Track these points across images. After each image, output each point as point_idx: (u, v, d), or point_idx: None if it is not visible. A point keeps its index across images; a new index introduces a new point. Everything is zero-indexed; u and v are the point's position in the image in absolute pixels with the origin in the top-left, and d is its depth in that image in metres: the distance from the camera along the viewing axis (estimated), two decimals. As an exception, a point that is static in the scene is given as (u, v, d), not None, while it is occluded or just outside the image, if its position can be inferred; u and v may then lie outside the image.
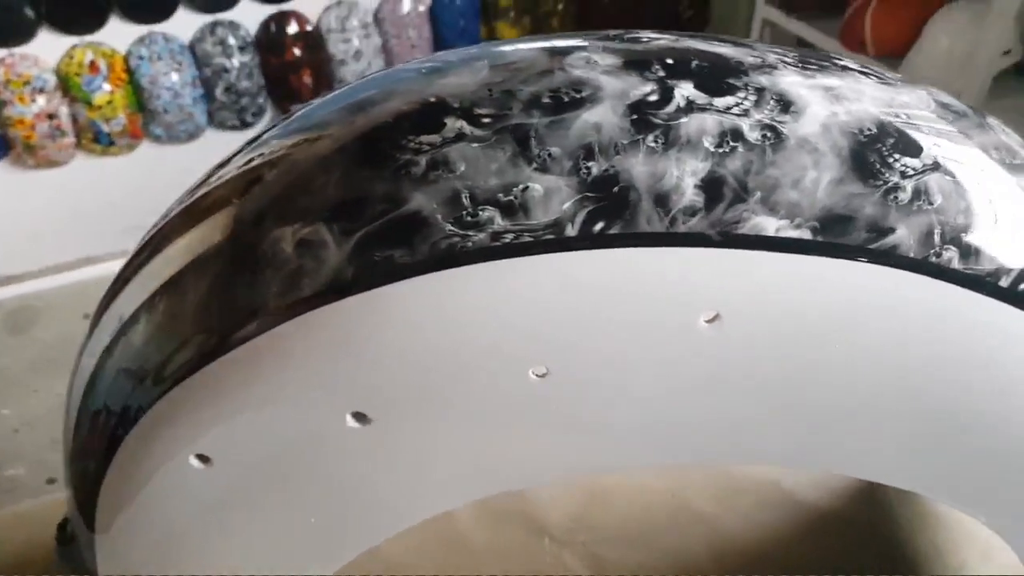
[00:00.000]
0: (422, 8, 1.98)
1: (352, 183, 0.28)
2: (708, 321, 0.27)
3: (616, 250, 0.26)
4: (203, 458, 0.31)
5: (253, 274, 0.29)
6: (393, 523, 0.33)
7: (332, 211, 0.28)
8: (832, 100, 0.28)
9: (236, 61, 1.82)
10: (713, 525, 0.56)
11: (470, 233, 0.27)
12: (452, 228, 0.27)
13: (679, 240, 0.26)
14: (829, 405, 0.29)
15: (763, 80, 0.28)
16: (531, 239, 0.26)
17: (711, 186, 0.26)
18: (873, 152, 0.27)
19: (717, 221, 0.26)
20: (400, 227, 0.27)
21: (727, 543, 0.56)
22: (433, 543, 0.56)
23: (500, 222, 0.27)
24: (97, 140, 1.77)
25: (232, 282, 0.29)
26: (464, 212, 0.27)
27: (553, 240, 0.26)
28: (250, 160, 0.32)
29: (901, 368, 0.29)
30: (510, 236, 0.27)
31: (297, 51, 1.88)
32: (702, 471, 0.60)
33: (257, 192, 0.30)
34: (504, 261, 0.27)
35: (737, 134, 0.27)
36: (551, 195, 0.26)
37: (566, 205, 0.26)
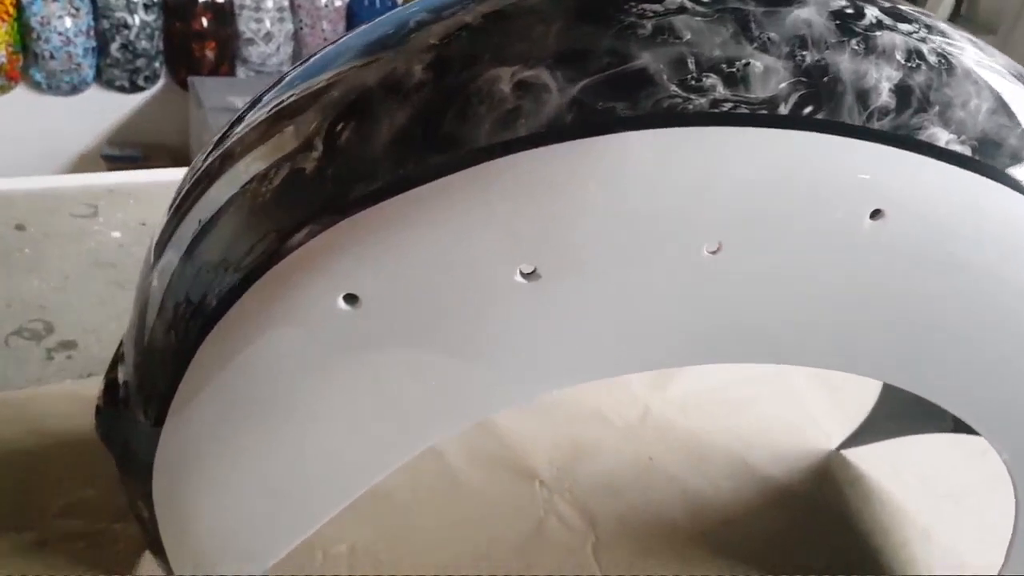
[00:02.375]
0: (339, 3, 1.97)
1: (576, 36, 0.29)
2: (872, 218, 0.30)
3: (818, 134, 0.29)
4: (351, 299, 0.30)
5: (463, 109, 0.29)
6: (533, 386, 0.33)
7: (555, 58, 0.29)
8: (975, 45, 0.33)
9: (138, 19, 1.72)
10: (684, 487, 0.59)
11: (692, 97, 0.28)
12: (676, 89, 0.28)
13: (871, 135, 0.29)
14: (949, 326, 0.33)
15: (925, 19, 0.32)
16: (747, 111, 0.29)
17: (902, 93, 0.30)
18: (1017, 92, 0.32)
19: (903, 124, 0.30)
20: (625, 81, 0.28)
21: (698, 505, 0.58)
22: (427, 482, 0.55)
23: (721, 91, 0.28)
24: (-34, 73, 1.61)
25: (438, 115, 0.29)
26: (689, 76, 0.28)
27: (766, 115, 0.29)
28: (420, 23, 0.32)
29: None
30: (728, 105, 0.28)
31: (205, 21, 1.80)
32: (670, 437, 0.63)
33: (466, 38, 0.30)
34: (720, 128, 0.29)
35: (920, 54, 0.30)
36: (770, 74, 0.29)
37: (782, 85, 0.29)
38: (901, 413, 0.61)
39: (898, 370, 0.36)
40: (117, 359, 0.39)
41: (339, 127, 0.30)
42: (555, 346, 0.33)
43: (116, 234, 0.76)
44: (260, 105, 0.35)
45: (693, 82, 0.28)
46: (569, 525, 0.54)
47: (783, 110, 0.29)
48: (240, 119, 0.36)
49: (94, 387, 0.55)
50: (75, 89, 1.76)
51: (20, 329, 0.63)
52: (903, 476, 0.63)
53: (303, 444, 0.34)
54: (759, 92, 0.29)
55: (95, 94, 1.83)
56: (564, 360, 0.33)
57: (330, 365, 0.32)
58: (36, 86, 1.72)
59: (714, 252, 0.31)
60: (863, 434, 0.64)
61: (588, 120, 0.28)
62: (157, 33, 1.80)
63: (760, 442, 0.65)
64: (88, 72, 1.77)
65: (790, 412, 0.68)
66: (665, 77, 0.28)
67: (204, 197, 0.35)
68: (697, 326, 0.33)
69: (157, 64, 1.84)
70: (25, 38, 1.64)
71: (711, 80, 0.28)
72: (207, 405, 0.34)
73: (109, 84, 1.80)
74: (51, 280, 0.69)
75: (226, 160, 0.34)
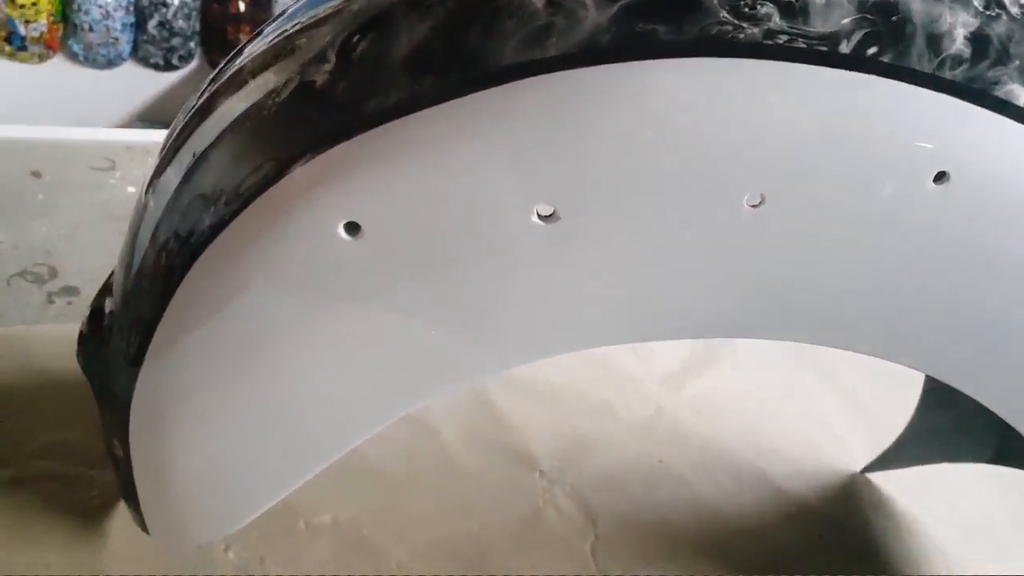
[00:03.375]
0: None
1: (620, -50, 0.27)
2: (936, 181, 0.27)
3: (883, 79, 0.26)
4: (353, 228, 0.28)
5: (490, 23, 0.26)
6: (537, 347, 0.31)
7: (594, -27, 0.26)
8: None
9: (177, -1, 1.72)
10: (694, 492, 0.56)
11: (744, 25, 0.26)
12: (727, 16, 0.26)
13: (941, 85, 0.26)
14: (1004, 301, 0.30)
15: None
16: (804, 46, 0.26)
17: (979, 42, 0.27)
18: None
19: (978, 77, 0.27)
20: (671, 2, 0.26)
21: (707, 512, 0.55)
22: (421, 461, 0.52)
23: (777, 21, 0.26)
24: (9, 40, 1.61)
25: (462, 29, 0.26)
26: (742, 1, 0.26)
27: (825, 53, 0.26)
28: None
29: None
30: (784, 38, 0.26)
31: (243, 5, 1.80)
32: (682, 439, 0.60)
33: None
34: (773, 63, 0.26)
35: (1000, 3, 0.28)
36: (832, 7, 0.26)
37: (845, 20, 0.26)
38: (936, 439, 0.58)
39: (949, 364, 0.32)
40: (106, 287, 0.37)
41: (355, 39, 0.27)
42: (568, 302, 0.30)
43: (131, 189, 0.74)
44: (262, 36, 0.33)
45: (747, 9, 0.26)
46: (568, 519, 0.51)
47: (844, 48, 0.26)
48: (239, 52, 0.34)
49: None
50: (111, 63, 1.77)
51: (23, 271, 0.62)
52: (929, 504, 0.59)
53: (291, 386, 0.32)
54: (819, 26, 0.26)
55: (130, 70, 1.83)
56: (576, 318, 0.30)
57: (325, 300, 0.30)
58: (73, 57, 1.72)
59: (755, 206, 0.28)
60: (892, 458, 0.60)
61: (626, 43, 0.26)
62: (195, 13, 1.80)
63: (779, 454, 0.61)
64: (125, 47, 1.77)
65: (813, 427, 0.64)
66: (716, 1, 0.26)
67: (199, 130, 0.32)
68: (728, 291, 0.30)
69: (192, 44, 1.84)
70: (66, 8, 1.64)
71: (766, 8, 0.26)
72: (191, 339, 0.31)
73: (144, 61, 1.81)
74: (61, 227, 0.67)
75: (223, 92, 0.32)
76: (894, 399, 0.66)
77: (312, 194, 0.28)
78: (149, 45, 1.76)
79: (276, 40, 0.31)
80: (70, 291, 0.61)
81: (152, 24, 1.74)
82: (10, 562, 0.40)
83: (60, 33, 1.65)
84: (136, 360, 0.33)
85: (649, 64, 0.26)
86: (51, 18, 1.62)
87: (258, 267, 0.29)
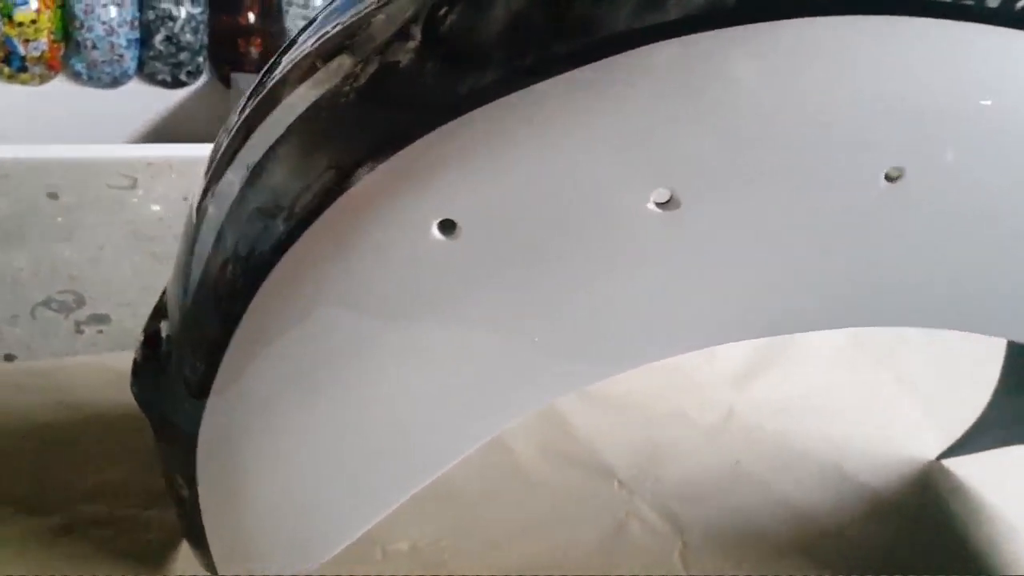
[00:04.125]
0: (385, 4, 1.93)
1: None
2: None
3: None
4: (448, 227, 0.25)
5: (598, -14, 0.23)
6: (652, 347, 0.27)
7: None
8: None
9: (184, 11, 1.69)
10: (775, 493, 0.53)
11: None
12: (869, -35, 0.22)
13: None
14: None
15: None
16: (970, 2, 0.23)
17: None
18: None
19: None
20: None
21: (790, 513, 0.52)
22: (496, 478, 0.49)
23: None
24: (7, 61, 1.58)
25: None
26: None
27: (992, 10, 0.23)
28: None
29: None
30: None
31: (252, 16, 1.77)
32: (757, 441, 0.57)
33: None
34: (928, 20, 0.23)
35: None
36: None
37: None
38: (1013, 421, 0.55)
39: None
40: (159, 310, 0.34)
41: (443, 11, 0.24)
42: (683, 298, 0.27)
43: (156, 207, 0.71)
44: (297, 45, 0.30)
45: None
46: (653, 529, 0.48)
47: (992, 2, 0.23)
48: (276, 63, 0.31)
49: (127, 361, 0.50)
50: (116, 81, 1.73)
51: (48, 300, 0.59)
52: (1008, 487, 0.56)
53: (377, 408, 0.29)
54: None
55: (136, 87, 1.80)
56: (690, 317, 0.27)
57: (415, 310, 0.27)
58: (76, 76, 1.69)
59: (893, 180, 0.25)
60: (968, 443, 0.57)
61: (756, 1, 0.23)
62: (202, 27, 1.77)
63: (853, 449, 0.58)
64: (130, 64, 1.74)
65: (882, 420, 0.61)
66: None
67: (258, 132, 0.29)
68: (857, 275, 0.27)
69: (200, 59, 1.81)
70: (68, 26, 1.61)
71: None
72: (265, 362, 0.28)
73: (151, 78, 1.77)
74: (84, 250, 0.64)
75: (283, 87, 0.29)
76: (958, 385, 0.64)
77: (401, 192, 0.25)
78: (156, 61, 1.73)
79: (334, 32, 0.28)
80: (100, 319, 0.58)
81: (158, 39, 1.71)
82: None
83: (62, 52, 1.63)
84: (202, 388, 0.30)
85: (781, 24, 0.23)
86: (52, 36, 1.59)
87: (340, 278, 0.26)
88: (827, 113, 0.23)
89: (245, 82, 1.84)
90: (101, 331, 0.56)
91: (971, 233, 0.26)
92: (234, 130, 0.30)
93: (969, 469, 0.57)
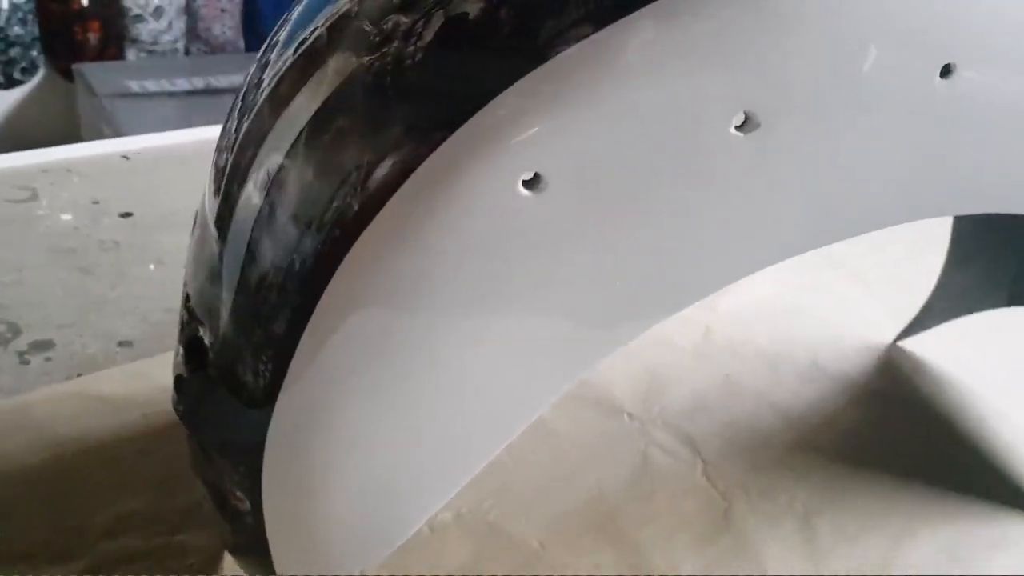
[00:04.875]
0: (233, -32, 1.82)
1: None
2: None
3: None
4: (533, 182, 0.24)
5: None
6: (742, 264, 0.28)
7: None
8: None
9: (6, 1, 1.53)
10: (768, 398, 0.55)
11: None
12: None
13: None
14: None
15: None
16: None
17: None
18: None
19: None
20: None
21: (786, 413, 0.55)
22: (519, 441, 0.48)
23: None
24: None
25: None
26: None
27: None
28: None
29: None
30: None
31: (85, 0, 1.63)
32: (739, 352, 0.59)
33: None
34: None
35: None
36: None
37: None
38: (960, 294, 0.59)
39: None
40: (189, 313, 0.31)
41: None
42: (765, 215, 0.27)
43: (67, 217, 0.65)
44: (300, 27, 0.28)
45: None
46: (673, 453, 0.49)
47: None
48: (265, 65, 0.29)
49: (102, 383, 0.47)
50: (-58, 89, 1.57)
51: (-21, 335, 0.53)
52: (961, 357, 0.61)
53: (458, 375, 0.28)
54: None
55: (-35, 93, 1.63)
56: (772, 232, 0.27)
57: (505, 272, 0.26)
58: None
59: (945, 77, 0.26)
60: (921, 322, 0.62)
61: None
62: (31, 17, 1.61)
63: (823, 344, 0.61)
64: (-46, 68, 1.57)
65: (838, 314, 0.65)
66: None
67: (287, 117, 0.27)
68: (921, 172, 0.28)
69: (35, 53, 1.66)
70: None
71: None
72: (345, 350, 0.27)
73: (-20, 80, 1.61)
74: (3, 275, 0.58)
75: (307, 69, 0.27)
76: (901, 275, 0.69)
77: (484, 152, 0.24)
78: (-19, 62, 1.57)
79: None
80: (43, 346, 0.53)
81: (-19, 38, 1.55)
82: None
83: None
84: (269, 390, 0.28)
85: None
86: None
87: (424, 251, 0.25)
88: (893, 18, 0.24)
89: (91, 72, 1.69)
90: (49, 358, 0.52)
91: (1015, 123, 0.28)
92: (258, 108, 0.28)
93: (925, 346, 0.61)
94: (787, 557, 0.44)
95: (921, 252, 0.71)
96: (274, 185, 0.26)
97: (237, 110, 0.31)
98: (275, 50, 0.30)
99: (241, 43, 1.89)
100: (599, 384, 0.53)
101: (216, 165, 0.32)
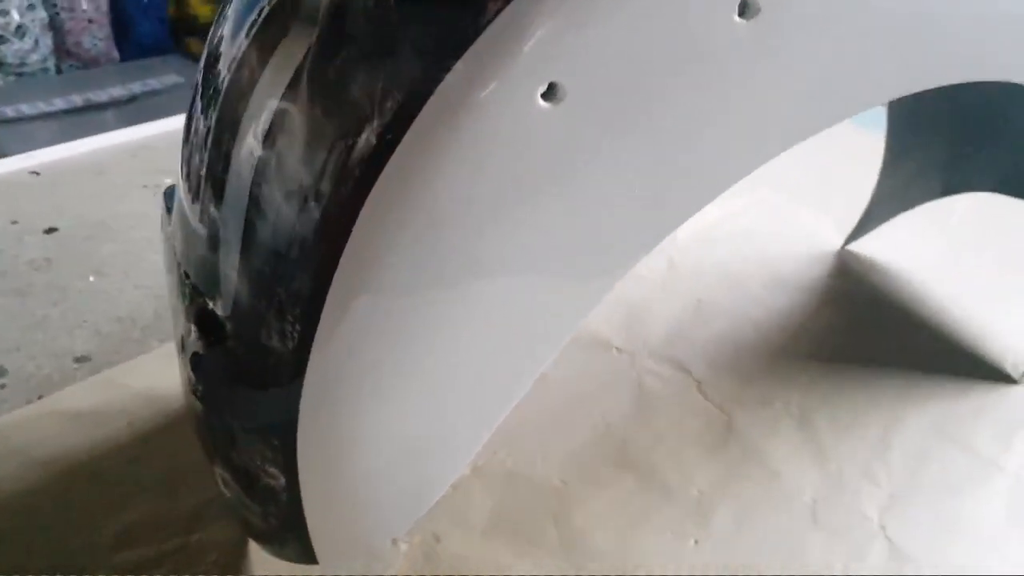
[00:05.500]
0: (97, -21, 1.72)
1: None
2: None
3: None
4: (550, 92, 0.23)
5: None
6: (756, 154, 0.28)
7: None
8: None
9: None
10: (743, 314, 0.57)
11: None
12: None
13: None
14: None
15: None
16: None
17: None
18: None
19: None
20: None
21: (764, 325, 0.56)
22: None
23: None
24: None
25: None
26: None
27: None
28: None
29: None
30: None
31: None
32: (705, 276, 0.60)
33: None
34: None
35: None
36: None
37: None
38: (899, 191, 0.62)
39: None
40: (194, 289, 0.29)
41: None
42: (774, 100, 0.27)
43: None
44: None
45: None
46: (666, 378, 0.50)
47: None
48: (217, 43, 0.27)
49: (72, 399, 0.44)
50: None
51: (-82, 375, 0.49)
52: (907, 252, 0.64)
53: (490, 300, 0.27)
54: None
55: None
56: (782, 116, 0.28)
57: (530, 186, 0.25)
58: None
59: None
60: (865, 224, 0.64)
61: None
62: None
63: (780, 259, 0.63)
64: None
65: (787, 228, 0.67)
66: None
67: (275, 63, 0.26)
68: (913, 45, 0.29)
69: None
70: None
71: None
72: (377, 295, 0.26)
73: None
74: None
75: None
76: (827, 183, 0.72)
77: (501, 67, 0.23)
78: None
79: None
80: (-6, 372, 0.49)
81: None
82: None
83: None
84: (300, 352, 0.26)
85: None
86: None
87: (447, 177, 0.24)
88: None
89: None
90: (3, 385, 0.48)
91: None
92: (238, 65, 0.26)
93: (872, 247, 0.64)
94: (793, 455, 0.46)
95: (845, 164, 0.74)
96: (276, 132, 0.25)
97: (200, 94, 0.29)
98: (226, 26, 0.28)
99: (115, 53, 1.79)
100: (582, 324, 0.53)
101: (191, 136, 0.30)
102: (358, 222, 0.24)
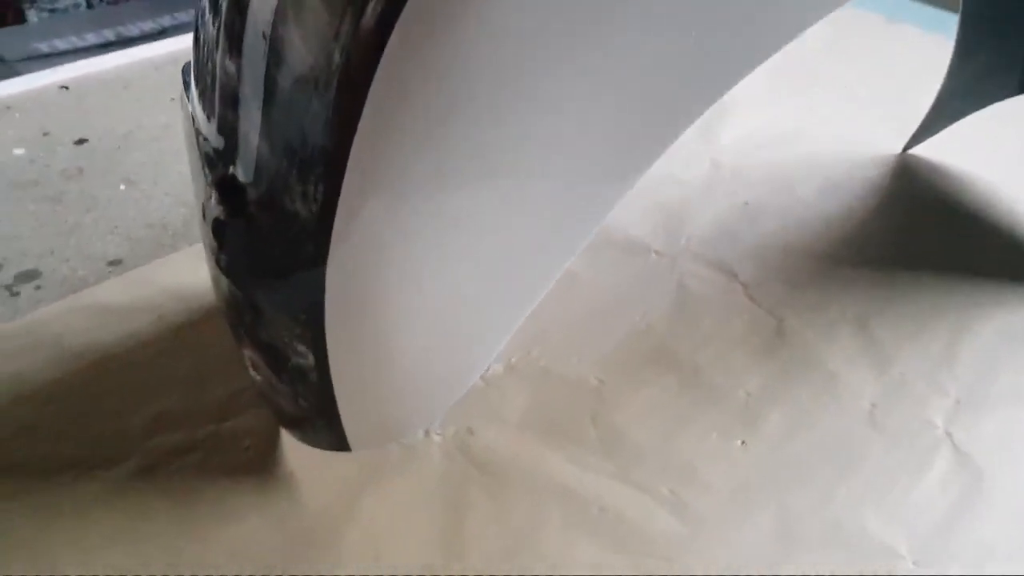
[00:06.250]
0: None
1: None
2: None
3: None
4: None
5: None
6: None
7: None
8: None
9: None
10: (787, 217, 0.54)
11: None
12: None
13: None
14: None
15: None
16: None
17: None
18: None
19: None
20: None
21: (811, 229, 0.53)
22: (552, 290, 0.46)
23: None
24: None
25: None
26: None
27: None
28: None
29: None
30: None
31: None
32: (751, 179, 0.57)
33: None
34: None
35: None
36: None
37: None
38: (970, 88, 0.58)
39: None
40: (215, 153, 0.27)
41: None
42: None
43: (20, 151, 0.60)
44: None
45: None
46: (710, 281, 0.48)
47: None
48: None
49: (105, 294, 0.44)
50: None
51: (-47, 275, 0.49)
52: (976, 157, 0.60)
53: (532, 157, 0.25)
54: None
55: None
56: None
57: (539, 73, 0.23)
58: None
59: None
60: (929, 126, 0.60)
61: None
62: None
63: (832, 163, 0.60)
64: None
65: (841, 131, 0.63)
66: None
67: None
68: None
69: (-68, 25, 1.54)
70: None
71: None
72: (404, 153, 0.24)
73: None
74: (-36, 213, 0.54)
75: None
76: (891, 86, 0.67)
77: None
78: None
79: None
80: (29, 276, 0.49)
81: None
82: (214, 550, 0.32)
83: None
84: (323, 216, 0.25)
85: None
86: None
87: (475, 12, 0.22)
88: None
89: (-4, 38, 1.57)
90: (38, 287, 0.48)
91: None
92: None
93: (935, 151, 0.60)
94: (852, 361, 0.43)
95: (907, 67, 0.70)
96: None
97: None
98: None
99: (144, -11, 1.77)
100: (616, 228, 0.51)
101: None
102: (377, 75, 0.22)
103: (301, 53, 0.23)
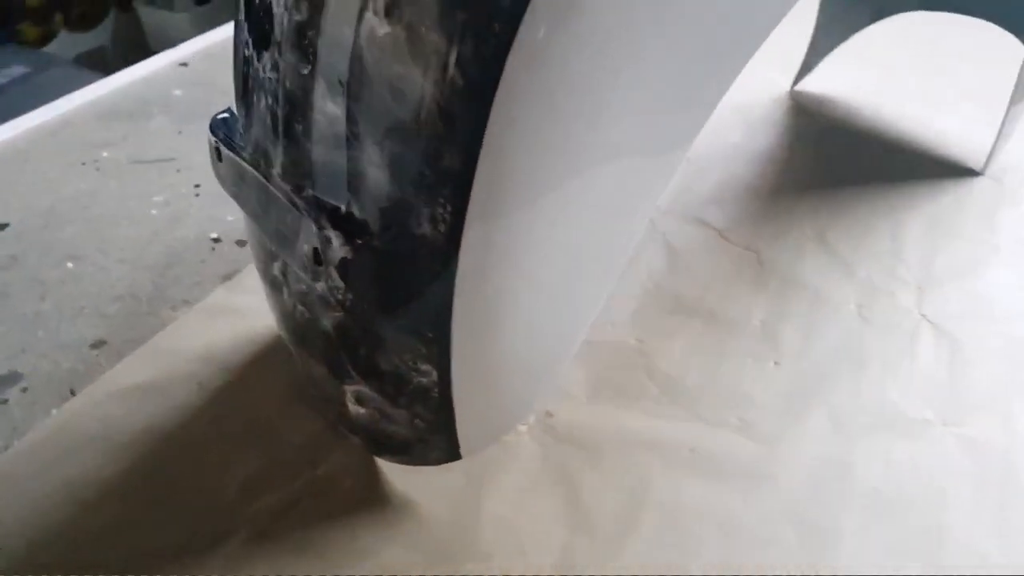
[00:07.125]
0: None
1: None
2: None
3: None
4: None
5: None
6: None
7: None
8: None
9: None
10: (722, 163, 0.59)
11: None
12: None
13: None
14: None
15: None
16: None
17: None
18: None
19: None
20: None
21: (739, 169, 0.59)
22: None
23: None
24: None
25: None
26: None
27: None
28: None
29: None
30: None
31: None
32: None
33: None
34: None
35: None
36: None
37: None
38: (837, 21, 0.65)
39: None
40: (315, 201, 0.28)
41: None
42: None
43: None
44: None
45: None
46: (690, 234, 0.52)
47: None
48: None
49: (126, 375, 0.42)
50: None
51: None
52: (856, 83, 0.68)
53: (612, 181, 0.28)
54: None
55: None
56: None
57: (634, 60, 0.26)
58: None
59: None
60: (809, 63, 0.67)
61: None
62: None
63: (746, 104, 0.65)
64: None
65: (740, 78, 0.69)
66: None
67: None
68: None
69: None
70: None
71: None
72: (529, 162, 0.26)
73: None
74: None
75: None
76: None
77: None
78: None
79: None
80: (12, 380, 0.45)
81: None
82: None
83: None
84: (454, 235, 0.26)
85: None
86: None
87: (591, 20, 0.24)
88: None
89: None
90: (25, 388, 0.44)
91: None
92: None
93: (822, 87, 0.67)
94: (824, 274, 0.49)
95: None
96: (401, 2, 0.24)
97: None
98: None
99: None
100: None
101: (269, 40, 0.28)
102: (501, 78, 0.24)
103: (419, 83, 0.24)
